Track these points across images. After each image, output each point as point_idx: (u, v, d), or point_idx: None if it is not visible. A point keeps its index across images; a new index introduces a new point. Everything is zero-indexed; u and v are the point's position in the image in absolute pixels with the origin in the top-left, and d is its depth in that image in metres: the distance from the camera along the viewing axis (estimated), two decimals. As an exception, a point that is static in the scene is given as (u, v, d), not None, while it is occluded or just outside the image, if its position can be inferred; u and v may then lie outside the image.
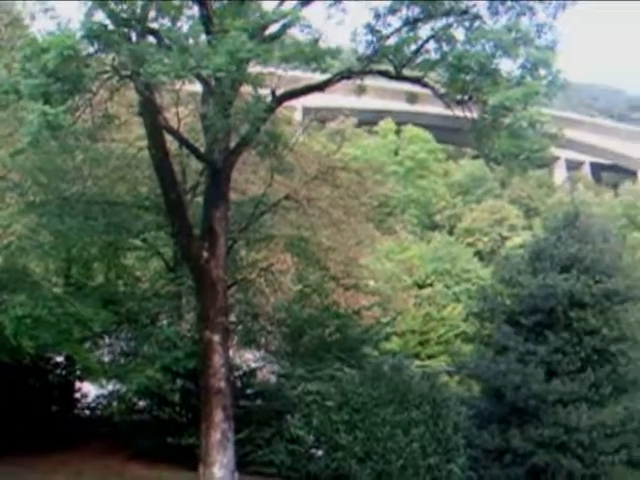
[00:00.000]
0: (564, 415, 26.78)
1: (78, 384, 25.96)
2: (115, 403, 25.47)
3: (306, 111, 76.81)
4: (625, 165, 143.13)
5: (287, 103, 22.27)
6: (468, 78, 16.83)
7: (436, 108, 19.99)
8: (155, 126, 17.24)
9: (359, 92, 19.55)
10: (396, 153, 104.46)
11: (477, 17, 17.29)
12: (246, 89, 16.99)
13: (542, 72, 16.35)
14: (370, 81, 30.54)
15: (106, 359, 24.05)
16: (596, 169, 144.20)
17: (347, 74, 18.25)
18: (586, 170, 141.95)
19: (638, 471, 27.97)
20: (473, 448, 25.61)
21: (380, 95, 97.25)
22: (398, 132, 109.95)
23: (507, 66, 16.99)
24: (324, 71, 17.41)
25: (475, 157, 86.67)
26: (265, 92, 17.93)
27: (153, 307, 23.57)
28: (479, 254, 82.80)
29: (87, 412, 26.35)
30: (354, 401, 22.03)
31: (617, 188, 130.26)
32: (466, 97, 17.25)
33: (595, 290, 28.56)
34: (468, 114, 17.61)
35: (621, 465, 27.25)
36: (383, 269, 58.96)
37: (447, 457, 23.28)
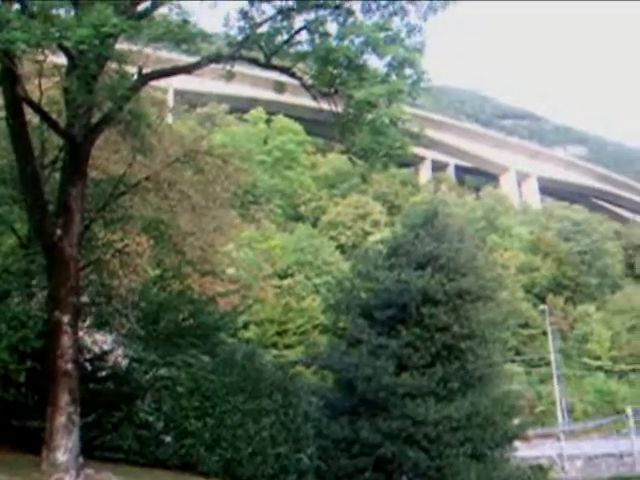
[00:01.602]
0: (412, 408, 27.36)
1: None
2: (-41, 383, 24.40)
3: (178, 94, 76.04)
4: (488, 169, 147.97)
5: (158, 84, 21.93)
6: (336, 72, 17.01)
7: (308, 100, 20.12)
8: (14, 96, 16.64)
9: (228, 78, 19.36)
10: (265, 142, 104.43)
11: (351, 13, 17.49)
12: (113, 66, 16.63)
13: (408, 72, 16.64)
14: (245, 69, 30.40)
15: (-48, 336, 23.04)
16: (460, 171, 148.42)
17: (217, 58, 18.10)
18: (451, 172, 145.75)
19: (481, 464, 28.90)
20: (323, 438, 25.87)
21: (254, 84, 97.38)
22: (269, 122, 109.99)
23: (375, 63, 17.26)
24: (194, 53, 17.30)
25: (344, 152, 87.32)
26: (133, 70, 17.61)
27: (3, 284, 22.74)
28: (341, 247, 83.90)
29: None
30: (205, 388, 21.87)
31: (479, 191, 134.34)
32: (332, 90, 17.42)
33: (448, 288, 29.33)
34: (334, 108, 17.79)
35: (465, 458, 28.08)
36: (245, 257, 59.04)
37: (296, 446, 23.39)
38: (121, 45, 16.32)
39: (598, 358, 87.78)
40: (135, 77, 17.65)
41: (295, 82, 18.69)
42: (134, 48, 17.78)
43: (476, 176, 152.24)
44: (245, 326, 56.58)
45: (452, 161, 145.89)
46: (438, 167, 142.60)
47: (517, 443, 33.14)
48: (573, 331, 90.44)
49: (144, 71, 18.21)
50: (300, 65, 18.10)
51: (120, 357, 24.66)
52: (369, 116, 16.15)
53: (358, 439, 27.18)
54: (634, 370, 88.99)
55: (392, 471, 27.37)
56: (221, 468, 21.15)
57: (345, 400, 28.70)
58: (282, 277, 70.49)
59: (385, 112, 15.76)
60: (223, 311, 27.96)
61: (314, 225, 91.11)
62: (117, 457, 20.71)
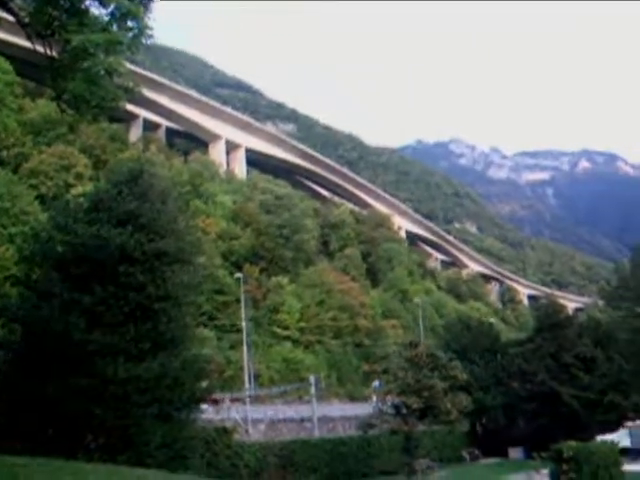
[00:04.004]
0: (102, 366, 27.10)
1: None
2: None
3: None
4: (199, 135, 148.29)
5: None
6: (55, 13, 16.28)
7: (23, 39, 19.04)
8: None
9: None
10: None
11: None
12: None
13: (130, 24, 16.32)
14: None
15: None
16: (172, 134, 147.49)
17: None
18: (162, 133, 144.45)
19: (168, 425, 29.26)
20: (7, 393, 25.03)
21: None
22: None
23: (98, 11, 16.72)
24: None
25: (54, 98, 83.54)
26: None
27: None
28: (41, 198, 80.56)
29: None
30: None
31: (188, 156, 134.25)
32: (49, 32, 16.66)
33: (147, 248, 29.28)
34: (49, 51, 17.05)
35: (152, 418, 28.29)
36: None
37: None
38: None
39: (287, 328, 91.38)
40: None
41: (11, 18, 17.71)
42: None
43: (187, 140, 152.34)
44: None
45: (164, 123, 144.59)
46: (150, 127, 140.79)
47: (204, 405, 33.79)
48: (266, 301, 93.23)
49: None
50: (18, 1, 17.16)
51: None
52: (85, 64, 15.66)
53: (45, 395, 26.46)
54: (319, 341, 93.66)
55: (78, 429, 26.94)
56: None
57: (34, 355, 27.80)
58: (-26, 223, 66.72)
59: (102, 62, 15.38)
60: None
61: (14, 172, 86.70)
62: None
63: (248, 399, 62.27)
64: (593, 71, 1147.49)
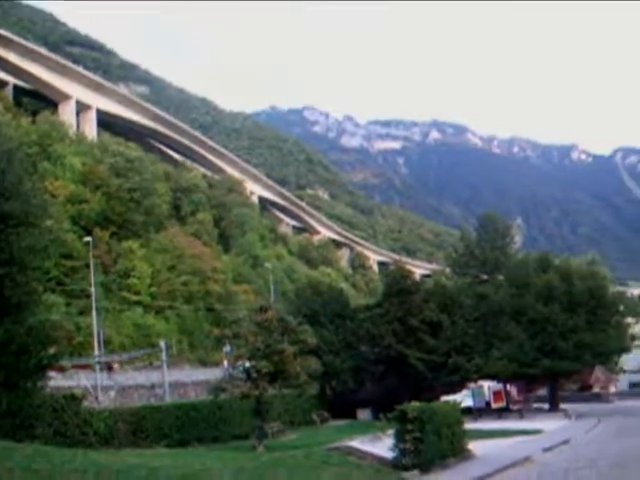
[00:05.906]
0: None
1: None
2: None
3: None
4: (49, 95, 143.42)
5: None
6: None
7: None
8: None
9: None
10: None
11: None
12: None
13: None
14: None
15: None
16: (19, 93, 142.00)
17: None
18: (9, 91, 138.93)
19: (13, 393, 28.58)
20: None
21: None
22: None
23: None
24: None
25: None
26: None
27: None
28: None
29: None
30: None
31: (36, 115, 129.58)
32: None
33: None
34: None
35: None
36: None
37: None
38: None
39: (138, 293, 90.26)
40: None
41: None
42: None
43: (36, 100, 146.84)
44: None
45: (12, 80, 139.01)
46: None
47: (52, 373, 33.09)
48: (116, 266, 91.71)
49: None
50: None
51: None
52: None
53: None
54: (171, 307, 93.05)
55: None
56: None
57: None
58: None
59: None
60: None
61: None
62: None
63: (98, 366, 61.35)
64: (443, 43, 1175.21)
